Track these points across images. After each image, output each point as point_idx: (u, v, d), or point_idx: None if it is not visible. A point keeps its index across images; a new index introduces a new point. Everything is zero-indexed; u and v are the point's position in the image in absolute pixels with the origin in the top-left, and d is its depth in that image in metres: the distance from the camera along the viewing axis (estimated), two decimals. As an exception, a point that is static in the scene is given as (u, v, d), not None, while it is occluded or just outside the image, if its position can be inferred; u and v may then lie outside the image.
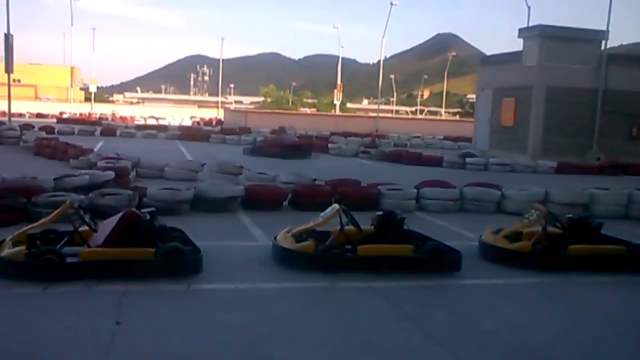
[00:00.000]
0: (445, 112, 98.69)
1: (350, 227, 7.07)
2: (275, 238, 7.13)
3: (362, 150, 24.30)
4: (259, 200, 10.33)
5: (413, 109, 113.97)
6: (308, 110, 71.41)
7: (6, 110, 27.74)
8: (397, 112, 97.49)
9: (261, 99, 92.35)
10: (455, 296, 6.34)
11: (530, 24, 27.07)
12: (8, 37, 25.73)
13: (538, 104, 23.87)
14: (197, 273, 6.26)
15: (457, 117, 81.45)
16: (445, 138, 33.33)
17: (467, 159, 20.98)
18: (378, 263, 6.73)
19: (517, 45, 25.91)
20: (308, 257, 6.68)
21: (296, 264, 6.69)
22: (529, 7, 29.95)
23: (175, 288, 5.88)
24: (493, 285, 6.77)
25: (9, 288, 5.63)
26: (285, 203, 10.66)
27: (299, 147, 22.55)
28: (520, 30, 25.84)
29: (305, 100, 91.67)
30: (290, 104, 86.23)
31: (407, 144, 30.25)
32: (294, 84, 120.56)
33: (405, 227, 7.28)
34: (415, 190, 11.27)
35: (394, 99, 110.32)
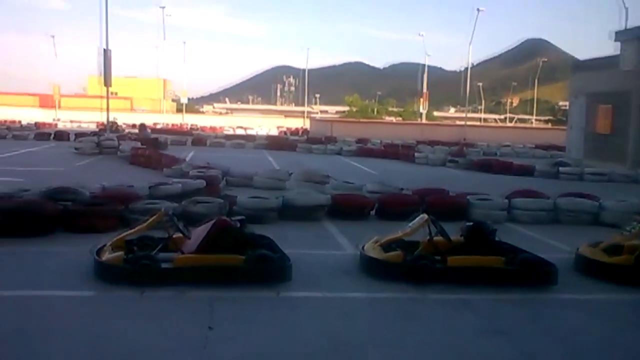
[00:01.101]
0: (535, 120, 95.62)
1: (439, 238, 6.94)
2: (362, 247, 7.11)
3: (449, 159, 23.89)
4: (346, 209, 10.33)
5: (502, 116, 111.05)
6: (393, 119, 71.02)
7: (105, 121, 29.17)
8: (485, 120, 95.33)
9: (346, 108, 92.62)
10: (549, 311, 6.08)
11: (628, 26, 25.84)
12: (106, 53, 27.10)
13: (638, 111, 22.69)
14: (286, 281, 6.33)
15: (549, 125, 78.69)
16: (537, 147, 32.32)
17: (561, 169, 20.22)
18: (468, 275, 6.57)
19: (612, 49, 24.83)
20: (396, 267, 6.61)
21: (384, 273, 6.63)
22: (626, 9, 28.65)
23: (265, 295, 5.96)
24: (591, 300, 6.47)
25: (109, 291, 5.89)
26: (371, 212, 10.60)
27: (156, 142, 25.28)
28: (617, 33, 24.73)
29: (390, 109, 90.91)
30: (375, 112, 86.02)
31: (496, 152, 29.51)
32: (378, 92, 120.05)
33: (496, 239, 7.09)
34: (506, 201, 10.95)
35: (482, 106, 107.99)
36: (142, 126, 25.37)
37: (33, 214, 8.16)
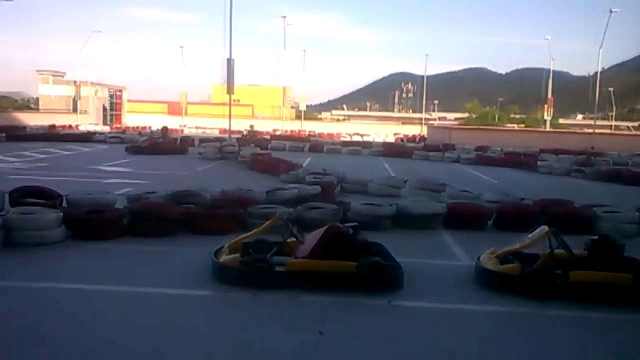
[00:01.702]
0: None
1: (560, 251, 6.58)
2: (478, 258, 6.88)
3: (575, 168, 22.65)
4: (462, 219, 10.05)
5: (635, 124, 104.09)
6: (515, 126, 68.51)
7: (227, 127, 30.32)
8: (616, 127, 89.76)
9: (465, 115, 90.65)
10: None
11: None
12: (229, 62, 28.19)
13: None
14: (397, 289, 6.25)
15: (688, 133, 72.82)
16: (675, 156, 29.86)
17: (701, 180, 18.61)
18: (592, 291, 6.18)
19: None
20: (513, 280, 6.34)
21: (500, 286, 6.38)
22: None
23: (376, 303, 5.92)
24: None
25: (225, 292, 6.09)
26: (489, 222, 10.26)
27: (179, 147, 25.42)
28: None
29: (512, 115, 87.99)
30: (496, 119, 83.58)
31: (628, 162, 27.58)
32: (500, 98, 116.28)
33: (625, 254, 6.61)
34: (637, 214, 10.21)
35: (613, 113, 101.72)
36: (165, 129, 25.86)
37: (158, 215, 8.61)
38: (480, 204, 11.18)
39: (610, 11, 44.54)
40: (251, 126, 42.22)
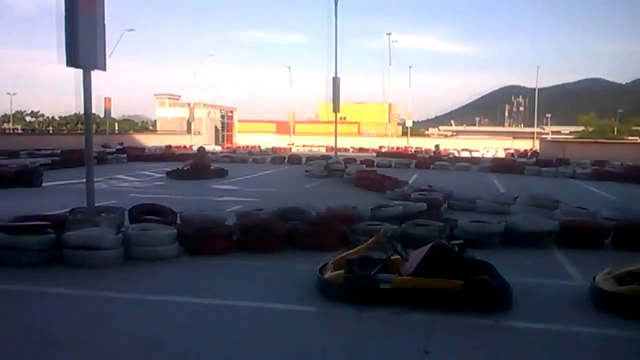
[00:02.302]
0: None
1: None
2: (594, 278, 6.52)
3: None
4: (576, 236, 9.55)
5: None
6: (638, 139, 64.54)
7: (333, 145, 30.67)
8: None
9: (581, 128, 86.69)
10: None
11: None
12: (335, 80, 28.56)
13: None
14: (506, 309, 6.04)
15: None
16: None
17: None
18: None
19: None
20: (631, 302, 5.95)
21: (617, 308, 6.00)
22: None
23: (483, 323, 5.74)
24: None
25: (329, 308, 6.13)
26: (607, 241, 9.70)
27: (219, 171, 22.83)
28: None
29: (633, 128, 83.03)
30: (615, 132, 79.29)
31: None
32: (619, 110, 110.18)
33: None
34: None
35: None
36: (202, 149, 25.39)
37: (265, 231, 8.83)
38: (596, 221, 10.60)
39: None
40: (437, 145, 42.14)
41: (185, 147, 47.07)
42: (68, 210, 9.32)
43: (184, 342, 5.15)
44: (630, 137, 69.86)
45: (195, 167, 22.22)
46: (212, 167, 23.35)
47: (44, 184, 17.93)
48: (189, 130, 60.13)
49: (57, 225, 8.30)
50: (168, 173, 21.75)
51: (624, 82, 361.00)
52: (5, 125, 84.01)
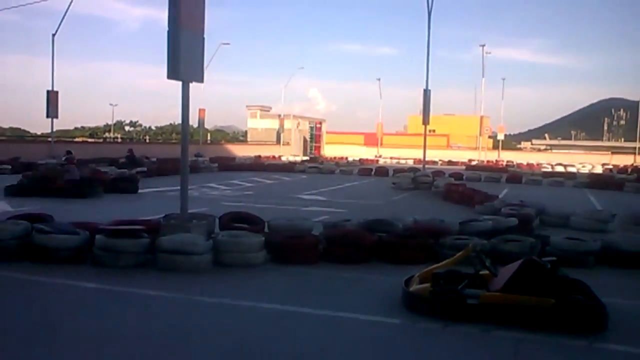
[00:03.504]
0: None
1: None
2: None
3: None
4: (680, 258, 9.00)
5: None
6: None
7: (422, 158, 30.37)
8: None
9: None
10: None
11: None
12: (426, 93, 28.30)
13: None
14: (600, 331, 5.77)
15: None
16: None
17: None
18: None
19: None
20: None
21: None
22: None
23: (575, 344, 5.51)
24: None
25: (414, 322, 6.07)
26: None
27: (87, 183, 17.38)
28: None
29: None
30: None
31: None
32: None
33: None
34: None
35: None
36: (68, 152, 21.75)
37: (352, 242, 8.86)
38: None
39: None
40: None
41: (274, 157, 47.99)
42: (162, 216, 9.71)
43: (269, 349, 5.24)
44: None
45: (41, 178, 17.38)
46: (81, 178, 17.31)
47: (140, 191, 18.76)
48: (278, 141, 61.24)
49: (152, 230, 8.66)
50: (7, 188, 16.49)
51: None
52: (107, 134, 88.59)
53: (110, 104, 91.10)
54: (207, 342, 5.36)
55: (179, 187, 9.13)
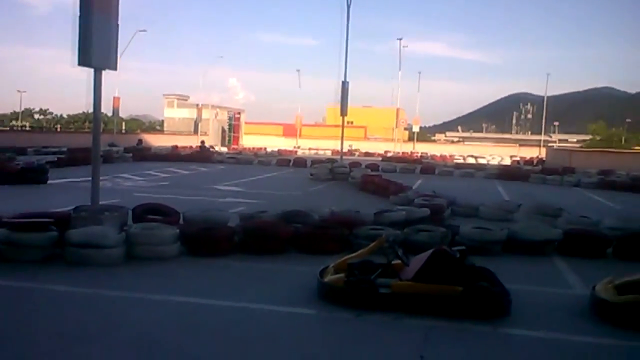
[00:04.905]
0: None
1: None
2: (593, 288, 6.52)
3: None
4: (579, 245, 9.56)
5: None
6: (645, 149, 64.32)
7: (339, 149, 30.72)
8: None
9: (588, 137, 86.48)
10: None
11: None
12: (343, 84, 28.63)
13: None
14: (504, 316, 6.05)
15: None
16: None
17: None
18: None
19: None
20: (631, 312, 5.95)
21: (616, 317, 6.01)
22: None
23: (480, 329, 5.76)
24: None
25: (329, 311, 6.15)
26: (609, 250, 9.69)
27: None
28: None
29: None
30: (622, 142, 79.03)
31: None
32: (628, 120, 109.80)
33: None
34: None
35: None
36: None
37: (268, 233, 8.87)
38: (599, 230, 10.59)
39: None
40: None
41: (191, 147, 47.24)
42: (72, 208, 9.37)
43: (182, 342, 5.18)
44: (637, 147, 69.61)
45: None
46: None
47: (49, 182, 18.03)
48: (196, 131, 60.31)
49: (61, 223, 8.35)
50: None
51: (633, 92, 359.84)
52: (14, 122, 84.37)
53: (19, 91, 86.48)
54: (111, 337, 5.24)
55: (90, 178, 8.84)
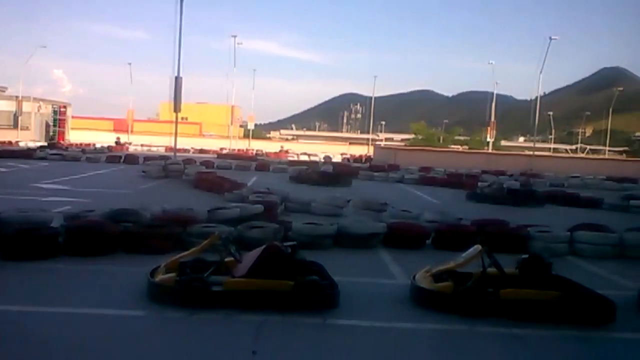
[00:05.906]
0: (609, 150, 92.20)
1: (493, 270, 6.76)
2: (413, 277, 7.01)
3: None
4: (401, 238, 10.21)
5: (573, 147, 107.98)
6: (459, 148, 70.05)
7: (173, 145, 30.04)
8: (555, 150, 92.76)
9: (412, 136, 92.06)
10: (604, 349, 5.82)
11: None
12: (177, 80, 28.01)
13: None
14: (333, 308, 6.31)
15: (623, 156, 75.89)
16: (608, 178, 31.04)
17: (632, 202, 19.41)
18: (521, 308, 6.36)
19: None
20: (446, 298, 6.48)
21: (434, 304, 6.52)
22: None
23: (311, 321, 5.96)
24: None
25: (161, 312, 6.02)
26: (428, 242, 10.45)
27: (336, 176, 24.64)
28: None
29: (456, 137, 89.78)
30: (440, 141, 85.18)
31: (564, 184, 28.52)
32: (445, 121, 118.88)
33: (553, 272, 6.86)
34: (567, 233, 10.59)
35: (552, 136, 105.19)
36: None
37: (95, 234, 8.46)
38: (419, 223, 11.38)
39: (550, 38, 46.13)
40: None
41: (10, 143, 43.63)
42: None
43: (4, 353, 4.80)
44: (452, 146, 75.58)
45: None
46: None
47: None
48: (15, 126, 55.76)
49: None
50: None
51: (450, 95, 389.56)
52: None
53: None
54: None
55: None
